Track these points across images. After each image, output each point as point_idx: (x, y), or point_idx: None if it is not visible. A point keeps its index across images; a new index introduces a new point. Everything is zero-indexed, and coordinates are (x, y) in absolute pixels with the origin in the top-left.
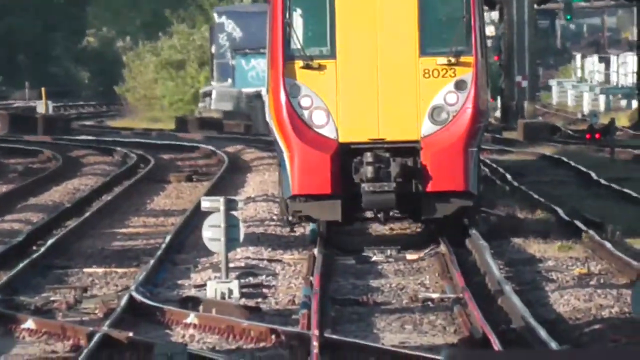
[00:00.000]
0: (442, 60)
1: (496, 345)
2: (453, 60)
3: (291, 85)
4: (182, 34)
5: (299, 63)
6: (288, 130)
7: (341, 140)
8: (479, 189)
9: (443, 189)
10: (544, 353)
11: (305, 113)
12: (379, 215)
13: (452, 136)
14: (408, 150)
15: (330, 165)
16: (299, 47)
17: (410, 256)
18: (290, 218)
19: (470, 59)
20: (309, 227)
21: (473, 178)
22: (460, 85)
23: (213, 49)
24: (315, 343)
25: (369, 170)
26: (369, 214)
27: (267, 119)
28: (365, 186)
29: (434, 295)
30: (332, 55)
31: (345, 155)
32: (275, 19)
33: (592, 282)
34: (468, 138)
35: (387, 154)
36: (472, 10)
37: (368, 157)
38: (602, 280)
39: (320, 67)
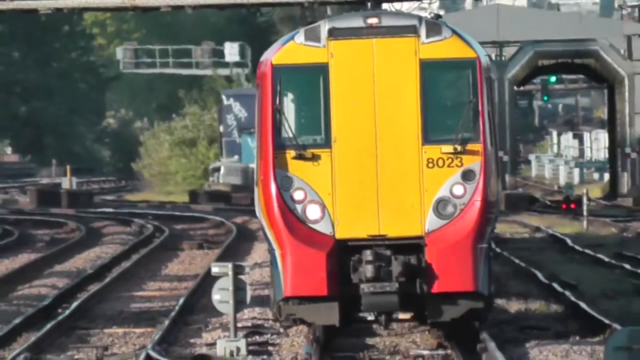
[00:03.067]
0: (448, 148)
1: None
2: (459, 148)
3: (282, 177)
4: (194, 114)
5: (290, 153)
6: (279, 227)
7: (338, 236)
8: (489, 288)
9: (450, 290)
10: None
11: (298, 207)
12: (380, 318)
13: (460, 232)
14: (411, 247)
15: (326, 264)
16: (290, 135)
17: (402, 316)
18: (282, 321)
19: (478, 146)
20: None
21: (483, 277)
22: (467, 176)
23: (221, 128)
24: None
25: (368, 270)
26: (369, 317)
27: (257, 213)
28: (364, 287)
29: (425, 352)
30: (327, 144)
31: (343, 253)
32: (265, 104)
33: (569, 339)
34: (477, 233)
35: (389, 252)
36: (480, 94)
37: (367, 255)
38: (577, 338)
39: (314, 157)
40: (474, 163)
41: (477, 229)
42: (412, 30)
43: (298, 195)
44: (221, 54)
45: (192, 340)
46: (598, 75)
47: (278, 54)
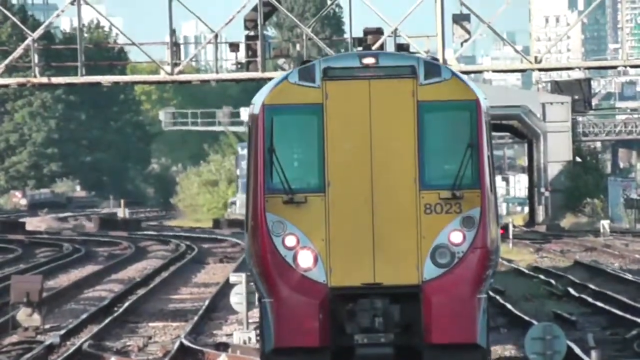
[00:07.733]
0: (446, 194)
1: None
2: (458, 194)
3: (274, 223)
4: (216, 161)
5: (282, 197)
6: (270, 274)
7: (331, 284)
8: (488, 340)
9: (448, 341)
10: None
11: (290, 254)
12: None
13: (459, 281)
14: (408, 296)
15: (319, 314)
16: (282, 179)
17: None
18: None
19: (477, 192)
20: None
21: (482, 328)
22: (467, 223)
23: (237, 172)
24: None
25: (363, 320)
26: None
27: (247, 260)
28: (358, 338)
29: None
30: (321, 188)
31: (336, 302)
32: (256, 146)
33: (499, 332)
34: (476, 283)
35: (384, 301)
36: (480, 137)
37: (362, 304)
38: (505, 330)
39: (307, 202)
40: (474, 209)
41: (477, 278)
42: (410, 71)
43: (290, 241)
44: (237, 115)
45: (215, 332)
46: (520, 133)
47: (271, 94)
